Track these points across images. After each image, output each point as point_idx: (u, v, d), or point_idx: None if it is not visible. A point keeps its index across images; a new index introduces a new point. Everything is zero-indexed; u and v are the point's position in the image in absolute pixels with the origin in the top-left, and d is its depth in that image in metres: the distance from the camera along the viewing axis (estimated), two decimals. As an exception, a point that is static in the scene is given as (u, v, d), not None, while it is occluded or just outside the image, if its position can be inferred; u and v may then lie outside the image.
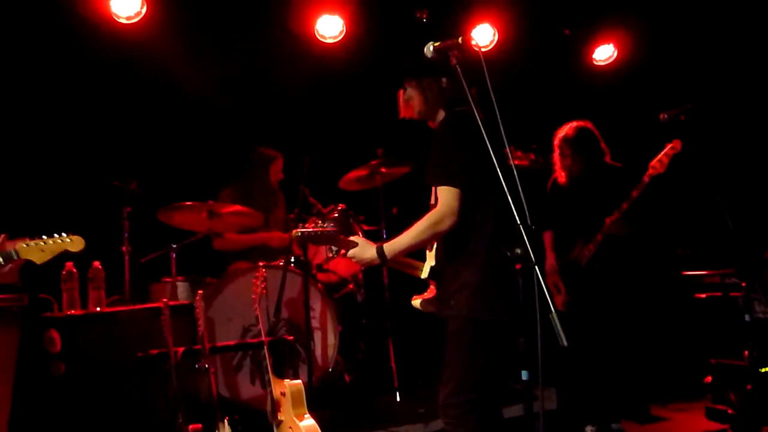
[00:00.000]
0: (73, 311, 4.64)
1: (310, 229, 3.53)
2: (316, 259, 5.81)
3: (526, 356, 2.72)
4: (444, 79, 3.43)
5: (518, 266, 2.62)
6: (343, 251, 3.50)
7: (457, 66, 3.00)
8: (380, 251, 3.35)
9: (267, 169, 6.27)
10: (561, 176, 5.39)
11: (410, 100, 3.51)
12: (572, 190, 5.35)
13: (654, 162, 4.99)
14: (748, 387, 4.54)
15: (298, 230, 3.55)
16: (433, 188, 3.43)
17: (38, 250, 4.00)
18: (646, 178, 5.00)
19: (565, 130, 5.33)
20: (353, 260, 3.46)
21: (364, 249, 3.41)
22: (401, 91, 3.58)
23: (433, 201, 3.42)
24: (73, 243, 4.06)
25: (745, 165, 6.36)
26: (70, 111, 6.04)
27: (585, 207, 5.27)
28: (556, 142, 5.37)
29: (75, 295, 4.75)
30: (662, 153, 4.96)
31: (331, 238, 3.55)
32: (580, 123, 5.33)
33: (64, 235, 4.05)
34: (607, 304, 5.17)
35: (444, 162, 3.25)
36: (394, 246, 3.34)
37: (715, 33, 6.51)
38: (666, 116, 4.43)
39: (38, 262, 4.00)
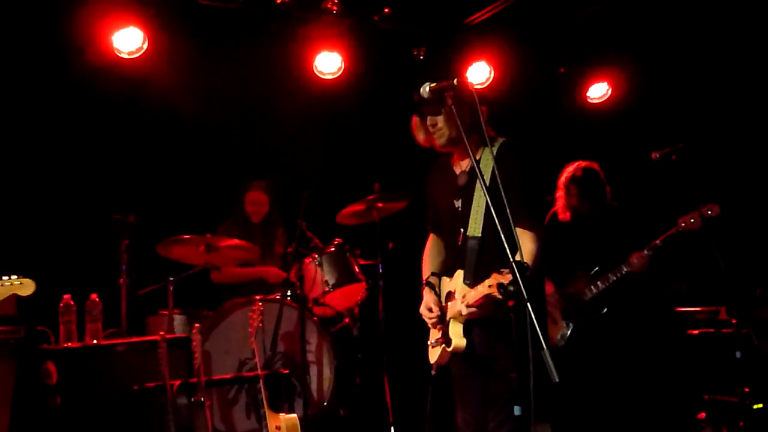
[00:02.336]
0: (70, 344, 4.64)
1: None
2: (313, 293, 5.84)
3: (519, 391, 2.76)
4: None
5: (510, 303, 2.66)
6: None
7: (452, 106, 3.07)
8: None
9: (242, 202, 6.36)
10: (564, 214, 5.39)
11: (436, 127, 3.48)
12: (574, 227, 5.36)
13: (686, 218, 4.91)
14: (741, 423, 4.57)
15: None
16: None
17: None
18: (675, 232, 4.98)
19: (573, 170, 5.33)
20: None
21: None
22: (417, 119, 3.55)
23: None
24: (24, 286, 3.82)
25: (737, 202, 6.41)
26: (70, 144, 6.11)
27: (587, 245, 5.29)
28: (563, 180, 5.37)
29: (72, 327, 4.75)
30: (696, 213, 4.81)
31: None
32: (588, 163, 5.34)
33: (14, 277, 3.80)
34: (607, 341, 5.18)
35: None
36: None
37: (708, 72, 6.59)
38: (658, 155, 4.48)
39: None
